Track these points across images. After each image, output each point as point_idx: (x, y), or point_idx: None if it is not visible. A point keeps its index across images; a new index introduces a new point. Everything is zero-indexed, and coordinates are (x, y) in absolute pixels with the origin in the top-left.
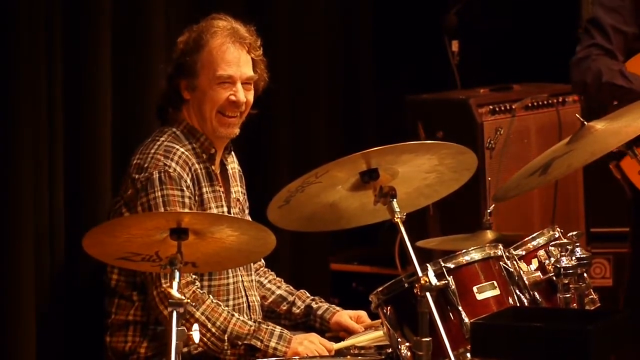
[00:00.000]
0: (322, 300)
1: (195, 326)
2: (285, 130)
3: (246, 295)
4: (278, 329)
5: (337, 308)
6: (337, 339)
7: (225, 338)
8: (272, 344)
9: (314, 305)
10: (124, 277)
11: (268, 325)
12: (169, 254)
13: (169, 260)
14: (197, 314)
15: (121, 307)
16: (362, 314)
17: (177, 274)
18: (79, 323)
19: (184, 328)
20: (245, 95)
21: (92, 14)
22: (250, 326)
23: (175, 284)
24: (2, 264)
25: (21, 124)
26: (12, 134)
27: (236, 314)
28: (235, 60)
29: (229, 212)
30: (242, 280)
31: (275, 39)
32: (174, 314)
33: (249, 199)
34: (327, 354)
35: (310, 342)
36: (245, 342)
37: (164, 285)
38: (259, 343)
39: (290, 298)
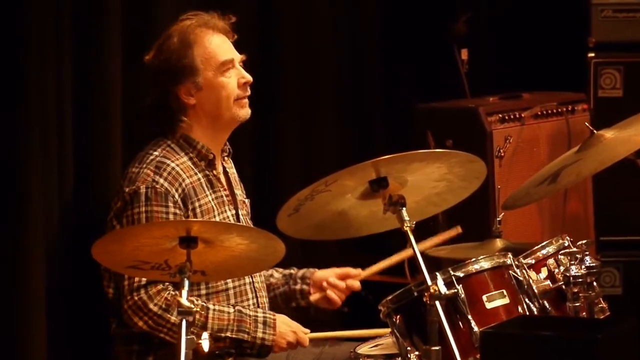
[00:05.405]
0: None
1: (205, 334)
2: (295, 138)
3: (256, 297)
4: (260, 313)
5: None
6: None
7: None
8: (259, 334)
9: (293, 272)
10: (119, 292)
11: (249, 311)
12: (178, 263)
13: (178, 269)
14: (172, 319)
15: (124, 319)
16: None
17: (186, 282)
18: (86, 332)
19: (193, 337)
20: None
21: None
22: (229, 314)
23: (184, 293)
24: (11, 268)
25: (31, 123)
26: (21, 133)
27: (210, 305)
28: (228, 45)
29: (237, 214)
30: (253, 282)
31: (284, 47)
32: (184, 322)
33: (258, 207)
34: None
35: (290, 343)
36: (232, 335)
37: (173, 294)
38: (246, 335)
39: (268, 272)
